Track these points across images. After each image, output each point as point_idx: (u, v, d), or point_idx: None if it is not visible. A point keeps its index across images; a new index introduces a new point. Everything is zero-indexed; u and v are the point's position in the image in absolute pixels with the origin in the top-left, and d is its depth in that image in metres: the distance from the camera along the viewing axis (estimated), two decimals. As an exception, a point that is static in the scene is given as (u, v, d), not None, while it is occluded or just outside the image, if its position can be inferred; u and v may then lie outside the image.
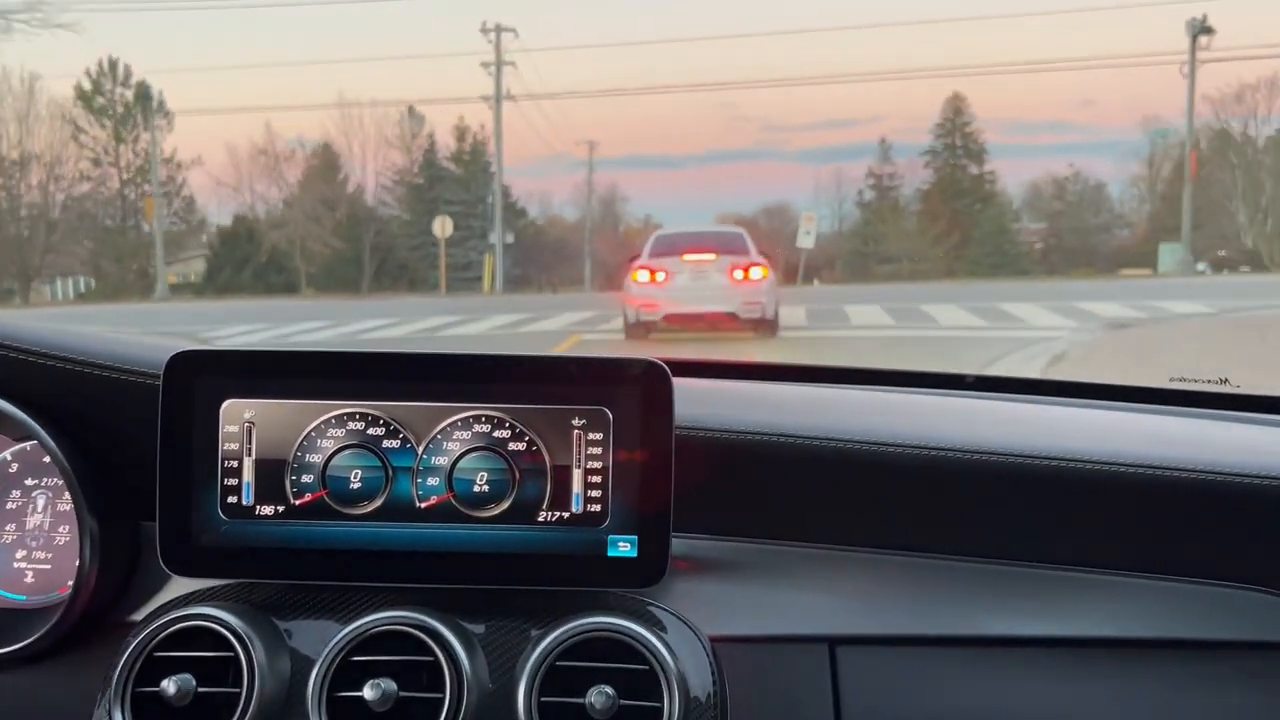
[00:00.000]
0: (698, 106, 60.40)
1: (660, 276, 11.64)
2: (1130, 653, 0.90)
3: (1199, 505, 0.90)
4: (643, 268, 11.89)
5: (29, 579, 0.98)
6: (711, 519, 0.96)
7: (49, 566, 0.98)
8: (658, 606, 0.87)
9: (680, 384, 0.86)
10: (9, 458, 1.00)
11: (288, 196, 37.72)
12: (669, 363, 0.86)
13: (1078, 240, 38.70)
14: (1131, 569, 0.92)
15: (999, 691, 0.88)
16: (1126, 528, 0.92)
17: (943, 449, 0.92)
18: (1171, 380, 1.24)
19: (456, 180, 38.55)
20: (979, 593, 0.92)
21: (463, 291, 31.62)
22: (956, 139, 41.13)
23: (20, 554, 0.98)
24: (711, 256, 11.90)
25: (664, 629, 0.84)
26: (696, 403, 0.95)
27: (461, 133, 39.27)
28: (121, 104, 36.66)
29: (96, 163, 36.97)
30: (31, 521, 0.99)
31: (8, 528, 0.99)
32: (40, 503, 0.99)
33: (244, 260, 33.63)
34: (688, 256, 11.86)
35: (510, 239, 32.76)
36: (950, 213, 37.78)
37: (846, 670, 0.87)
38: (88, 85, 37.04)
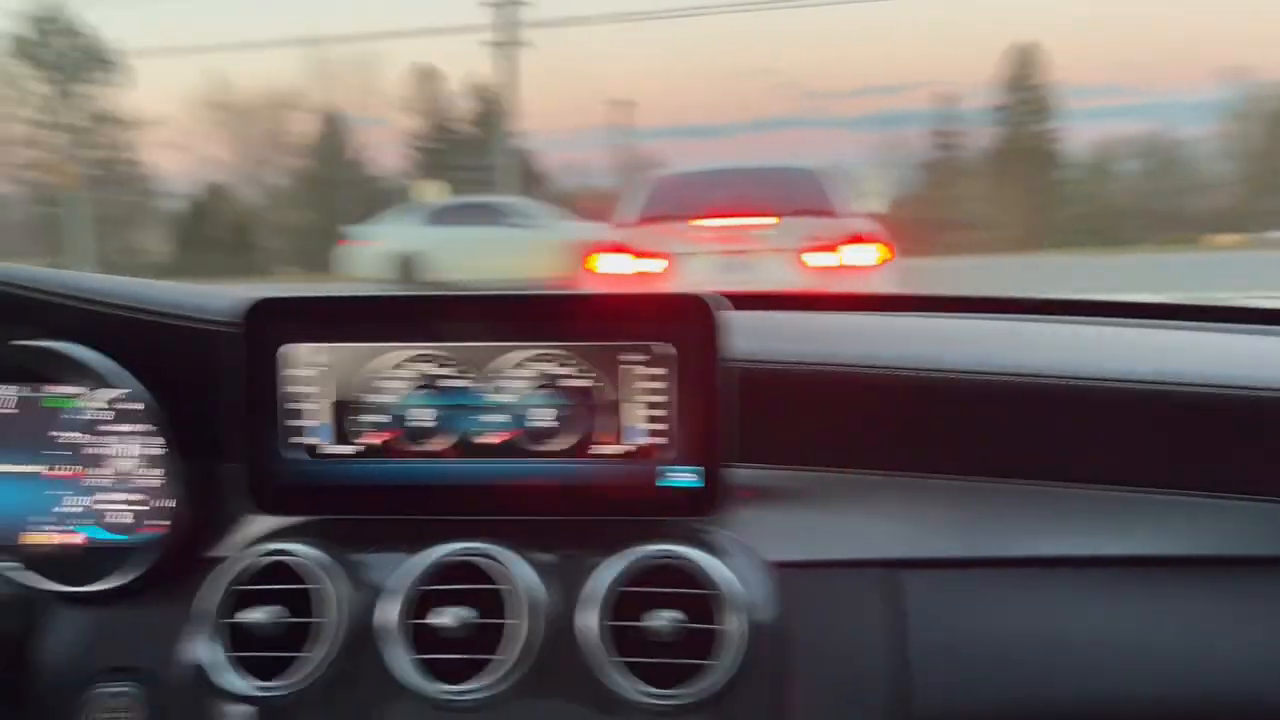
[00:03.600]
0: (737, 75, 59.40)
1: (650, 266, 6.02)
2: (1192, 570, 0.90)
3: (1258, 422, 0.90)
4: (614, 248, 6.25)
5: (122, 519, 1.03)
6: (772, 449, 0.98)
7: (145, 507, 1.03)
8: (719, 533, 0.89)
9: (736, 316, 0.88)
10: (99, 403, 1.05)
11: (256, 158, 34.70)
12: (724, 295, 0.87)
13: (1164, 204, 37.03)
14: (1190, 487, 0.92)
15: (1064, 612, 0.88)
16: (1184, 446, 0.92)
17: (999, 373, 0.93)
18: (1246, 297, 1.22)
19: (473, 144, 36.08)
20: (1043, 514, 0.93)
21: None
22: (1027, 93, 39.74)
23: (113, 496, 1.03)
24: (772, 221, 6.20)
25: (726, 555, 0.86)
26: (753, 335, 0.97)
27: (479, 92, 37.05)
28: (69, 57, 31.88)
29: (50, 125, 32.44)
30: (122, 465, 1.04)
31: (100, 470, 1.04)
32: (130, 447, 1.04)
33: (209, 238, 30.44)
34: (708, 223, 6.24)
35: None
36: (1026, 173, 36.49)
37: (909, 593, 0.88)
38: (32, 35, 32.19)
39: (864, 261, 6.00)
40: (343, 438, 0.90)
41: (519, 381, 0.89)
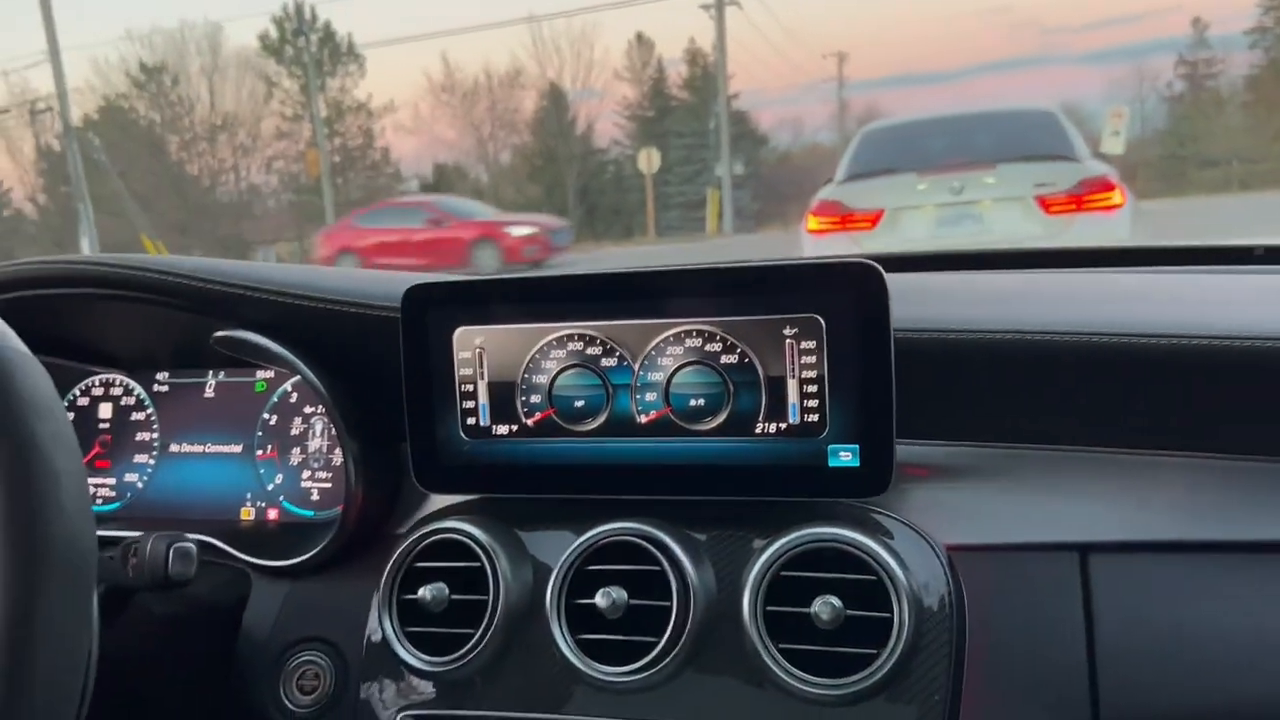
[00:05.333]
0: (970, 16, 56.24)
1: (863, 223, 5.87)
2: None
3: None
4: (826, 211, 6.00)
5: (314, 496, 1.09)
6: (945, 424, 0.91)
7: (330, 485, 1.09)
8: (886, 515, 0.84)
9: (899, 280, 0.82)
10: (289, 389, 1.12)
11: (481, 138, 36.11)
12: (884, 259, 0.82)
13: None
14: None
15: (1276, 603, 0.78)
16: None
17: (1206, 336, 0.82)
18: None
19: (688, 110, 36.09)
20: (1254, 493, 0.82)
21: (686, 234, 27.50)
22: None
23: (306, 474, 1.10)
24: (1000, 168, 5.81)
25: (892, 537, 0.82)
26: (918, 301, 0.91)
27: (692, 56, 36.72)
28: (308, 52, 33.91)
29: (295, 118, 35.42)
30: (313, 445, 1.10)
31: (294, 451, 1.11)
32: (318, 428, 1.10)
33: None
34: (931, 178, 5.89)
35: (740, 169, 28.86)
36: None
37: (1100, 579, 0.80)
38: (275, 34, 34.67)
39: (1101, 206, 5.56)
40: (500, 417, 0.91)
41: (675, 359, 0.87)
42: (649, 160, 25.60)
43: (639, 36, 37.55)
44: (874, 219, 5.87)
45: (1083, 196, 5.59)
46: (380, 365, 0.97)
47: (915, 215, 5.88)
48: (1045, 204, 5.63)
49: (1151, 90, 38.31)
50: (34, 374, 0.64)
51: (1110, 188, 5.64)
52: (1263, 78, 35.26)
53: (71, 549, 0.60)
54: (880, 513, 0.85)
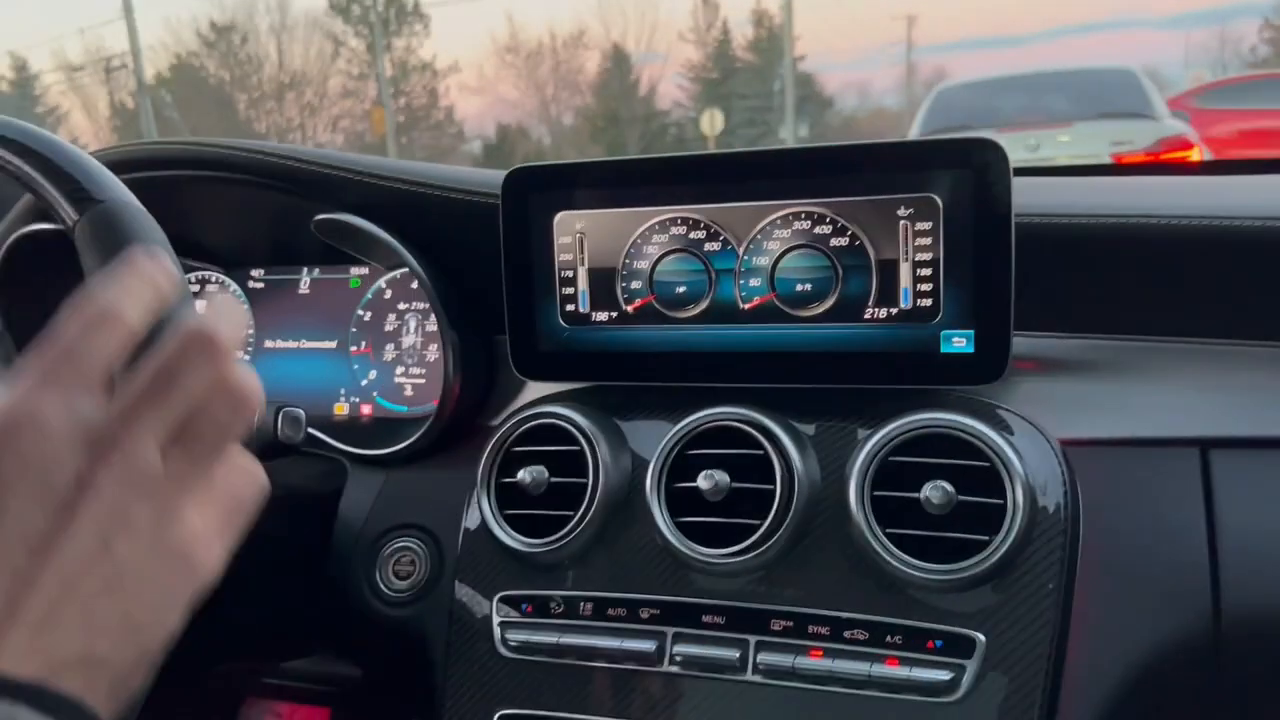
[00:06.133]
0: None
1: None
2: None
3: None
4: None
5: (408, 391, 1.10)
6: (1061, 314, 0.88)
7: (423, 380, 1.09)
8: (1000, 406, 0.82)
9: (1021, 181, 0.79)
10: (383, 285, 1.12)
11: (545, 99, 36.17)
12: None
13: None
14: None
15: None
16: None
17: None
18: None
19: (753, 72, 35.56)
20: None
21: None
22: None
23: (399, 370, 1.10)
24: (1076, 127, 5.91)
25: (1007, 429, 0.79)
26: (1041, 191, 0.87)
27: (759, 18, 36.08)
28: (375, 11, 34.47)
29: (361, 77, 35.61)
30: (406, 341, 1.10)
31: (388, 347, 1.11)
32: (412, 324, 1.10)
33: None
34: (1006, 136, 5.16)
35: (804, 132, 28.01)
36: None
37: (1222, 476, 0.77)
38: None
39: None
40: (600, 304, 0.90)
41: (781, 242, 0.84)
42: (712, 121, 25.29)
43: (703, -3, 37.22)
44: None
45: (1160, 155, 5.47)
46: (479, 253, 0.96)
47: None
48: (1121, 163, 5.36)
49: (1234, 55, 36.95)
50: (149, 227, 0.65)
51: (1189, 146, 5.55)
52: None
53: None
54: (993, 403, 0.82)
